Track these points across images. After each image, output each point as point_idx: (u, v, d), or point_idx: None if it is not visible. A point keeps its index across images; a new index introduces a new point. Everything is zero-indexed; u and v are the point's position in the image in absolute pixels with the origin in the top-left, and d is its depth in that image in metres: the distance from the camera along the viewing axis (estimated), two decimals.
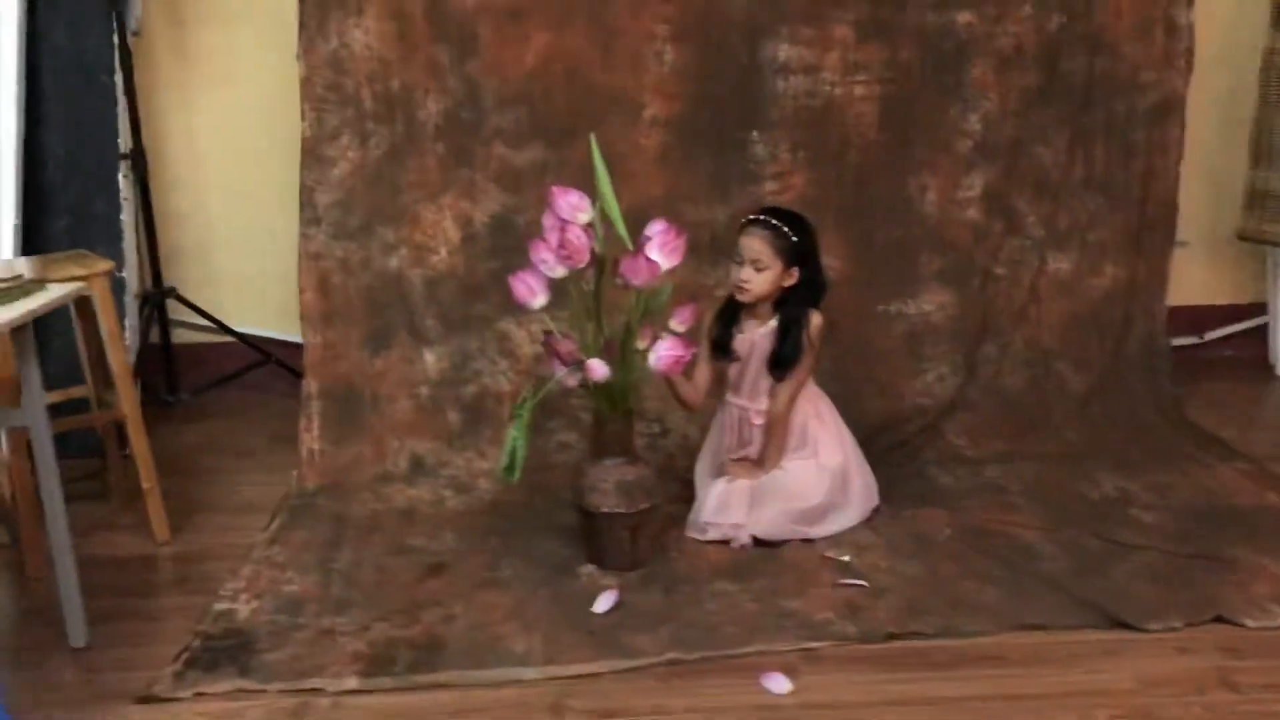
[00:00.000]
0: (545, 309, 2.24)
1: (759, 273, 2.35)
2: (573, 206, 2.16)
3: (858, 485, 2.49)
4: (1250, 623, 2.06)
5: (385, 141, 2.98)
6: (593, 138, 2.27)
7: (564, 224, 2.12)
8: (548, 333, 2.30)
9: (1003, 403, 3.11)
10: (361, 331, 2.98)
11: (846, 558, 2.34)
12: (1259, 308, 3.60)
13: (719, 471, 2.50)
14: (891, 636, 2.06)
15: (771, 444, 2.43)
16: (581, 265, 2.15)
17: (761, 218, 2.39)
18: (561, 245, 2.10)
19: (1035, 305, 3.19)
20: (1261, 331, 3.59)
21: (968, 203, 3.17)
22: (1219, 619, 2.07)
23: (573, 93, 3.03)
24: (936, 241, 3.17)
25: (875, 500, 2.51)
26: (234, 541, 2.53)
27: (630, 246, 2.17)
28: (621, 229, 2.19)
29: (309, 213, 2.95)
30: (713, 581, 2.27)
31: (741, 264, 2.37)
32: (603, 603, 2.16)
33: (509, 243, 3.03)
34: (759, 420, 2.45)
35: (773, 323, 2.41)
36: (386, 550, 2.46)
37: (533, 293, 2.22)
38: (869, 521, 2.49)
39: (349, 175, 2.96)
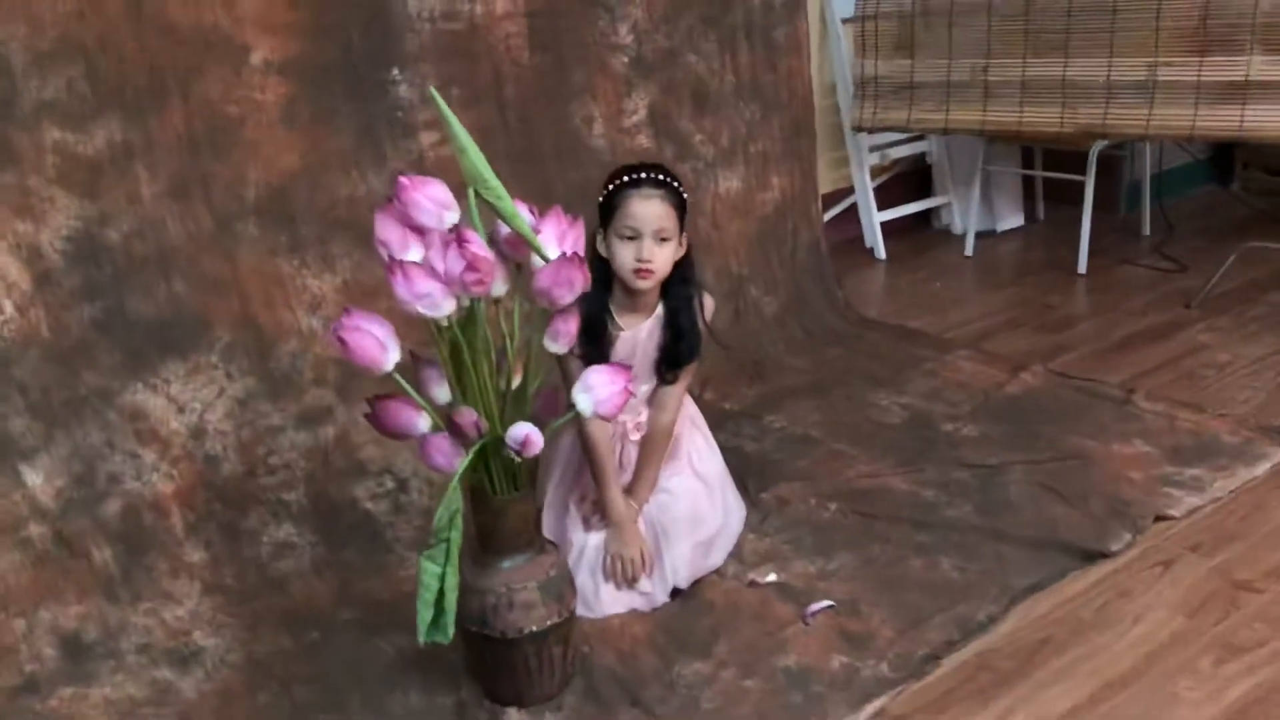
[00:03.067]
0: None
1: (662, 245, 1.76)
2: (439, 203, 1.39)
3: (732, 491, 2.04)
4: (1176, 512, 2.03)
5: None
6: (434, 91, 1.49)
7: (461, 235, 1.35)
8: (381, 400, 1.50)
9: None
10: None
11: (773, 576, 1.91)
12: (840, 194, 3.68)
13: (583, 518, 1.89)
14: (932, 658, 1.69)
15: (650, 463, 1.88)
16: (487, 291, 1.40)
17: (648, 175, 1.77)
18: (472, 266, 1.33)
19: (717, 232, 2.91)
20: (847, 216, 3.68)
21: (635, 129, 2.76)
22: (1159, 518, 2.01)
23: (144, 36, 2.05)
24: None
25: (743, 504, 2.08)
26: None
27: (540, 248, 1.45)
28: (523, 226, 1.45)
29: None
30: (673, 668, 1.71)
31: (637, 238, 1.75)
32: None
33: (106, 273, 2.02)
34: (638, 434, 1.88)
35: (659, 311, 1.84)
36: None
37: (383, 349, 1.41)
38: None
39: None
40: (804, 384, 2.68)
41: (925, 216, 3.85)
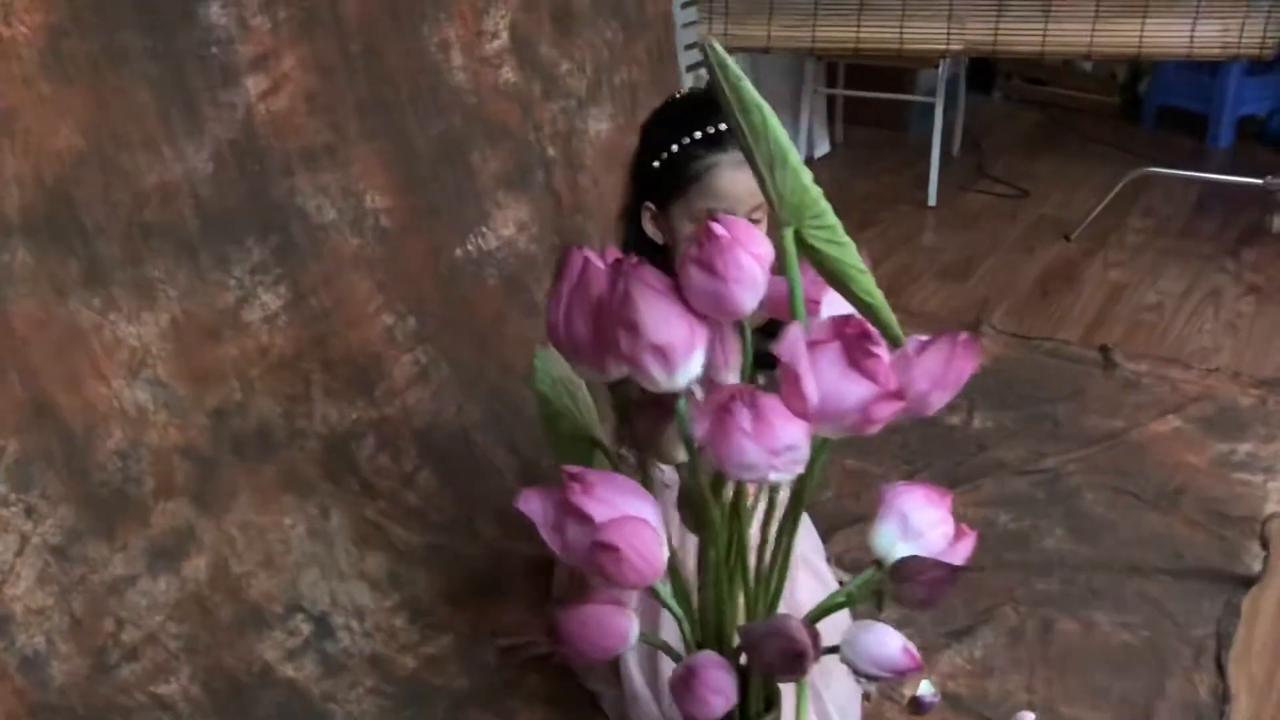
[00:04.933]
0: None
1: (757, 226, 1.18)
2: (758, 256, 0.73)
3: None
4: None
5: None
6: (713, 42, 0.78)
7: (860, 329, 0.70)
8: (573, 606, 0.82)
9: None
10: None
11: (930, 687, 1.42)
12: None
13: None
14: None
15: None
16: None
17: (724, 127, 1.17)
18: (893, 393, 0.69)
19: (597, 190, 2.28)
20: None
21: (498, 58, 2.05)
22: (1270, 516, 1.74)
23: None
24: (483, 127, 2.01)
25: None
26: None
27: (894, 327, 0.81)
28: (870, 286, 0.81)
29: None
30: None
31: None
32: None
33: None
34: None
35: None
36: None
37: (658, 541, 0.73)
38: None
39: None
40: None
41: None
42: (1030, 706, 1.38)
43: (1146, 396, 2.06)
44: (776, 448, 0.70)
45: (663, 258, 1.23)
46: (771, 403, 0.70)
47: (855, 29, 2.62)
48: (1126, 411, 2.02)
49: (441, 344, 1.82)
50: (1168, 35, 2.51)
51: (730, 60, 0.74)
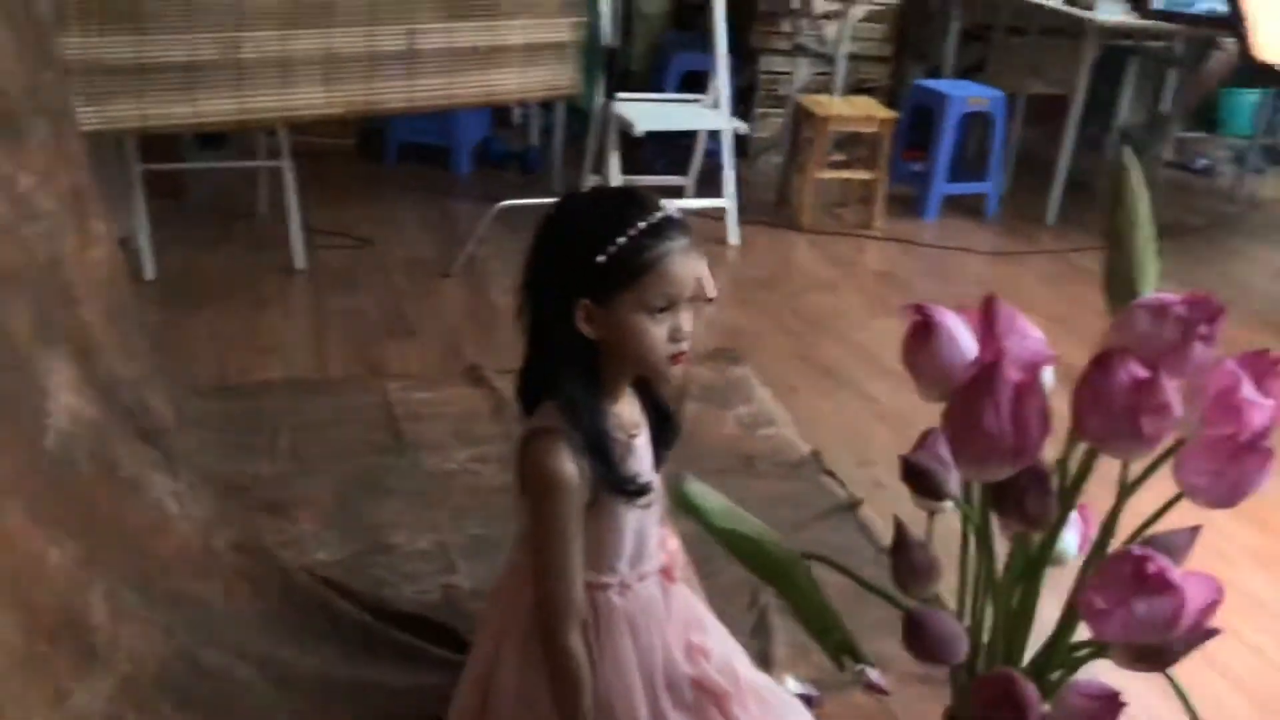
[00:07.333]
0: None
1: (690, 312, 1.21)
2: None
3: None
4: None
5: None
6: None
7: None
8: None
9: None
10: None
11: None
12: None
13: None
14: None
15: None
16: None
17: (668, 217, 1.18)
18: None
19: (101, 323, 1.82)
20: None
21: None
22: (812, 451, 2.20)
23: None
24: None
25: None
26: None
27: None
28: None
29: None
30: None
31: (672, 308, 1.18)
32: None
33: None
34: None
35: (630, 391, 1.27)
36: None
37: None
38: None
39: None
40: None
41: None
42: None
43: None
44: None
45: (593, 355, 1.19)
46: None
47: (237, 97, 2.42)
48: None
49: (105, 564, 1.37)
50: (503, 83, 2.81)
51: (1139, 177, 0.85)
